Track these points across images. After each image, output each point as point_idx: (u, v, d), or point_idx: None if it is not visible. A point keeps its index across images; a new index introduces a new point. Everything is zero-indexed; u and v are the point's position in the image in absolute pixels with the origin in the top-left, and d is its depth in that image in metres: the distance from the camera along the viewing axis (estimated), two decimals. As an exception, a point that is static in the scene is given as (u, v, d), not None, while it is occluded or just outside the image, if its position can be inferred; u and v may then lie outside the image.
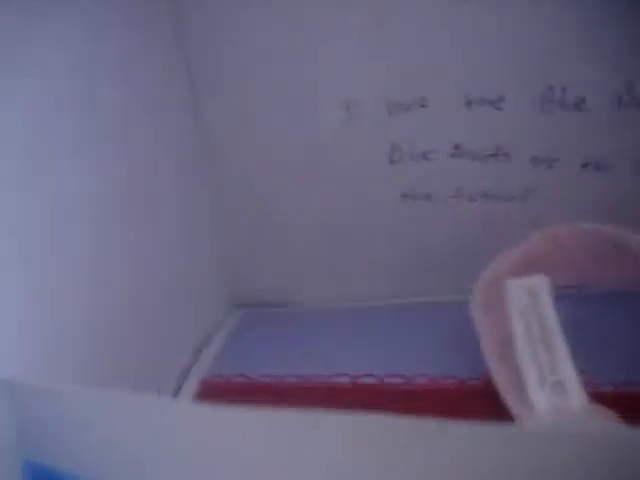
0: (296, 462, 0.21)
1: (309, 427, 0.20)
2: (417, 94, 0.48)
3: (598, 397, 0.36)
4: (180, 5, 0.48)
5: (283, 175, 0.52)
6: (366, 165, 0.51)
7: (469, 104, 0.48)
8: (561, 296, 0.40)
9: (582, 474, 0.18)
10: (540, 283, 0.40)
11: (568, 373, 0.37)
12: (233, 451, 0.22)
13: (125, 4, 0.42)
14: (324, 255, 0.55)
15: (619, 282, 0.45)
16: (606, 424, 0.35)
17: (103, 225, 0.39)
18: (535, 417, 0.36)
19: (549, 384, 0.37)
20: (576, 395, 0.36)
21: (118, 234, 0.41)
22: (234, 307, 0.59)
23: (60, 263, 0.35)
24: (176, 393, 0.47)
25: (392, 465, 0.20)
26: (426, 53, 0.47)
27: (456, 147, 0.50)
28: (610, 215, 0.46)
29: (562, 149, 0.49)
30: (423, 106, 0.48)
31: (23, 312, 0.32)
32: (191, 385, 0.48)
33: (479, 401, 0.40)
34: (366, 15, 0.47)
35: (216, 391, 0.47)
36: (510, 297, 0.40)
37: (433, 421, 0.19)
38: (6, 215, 0.31)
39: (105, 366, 0.37)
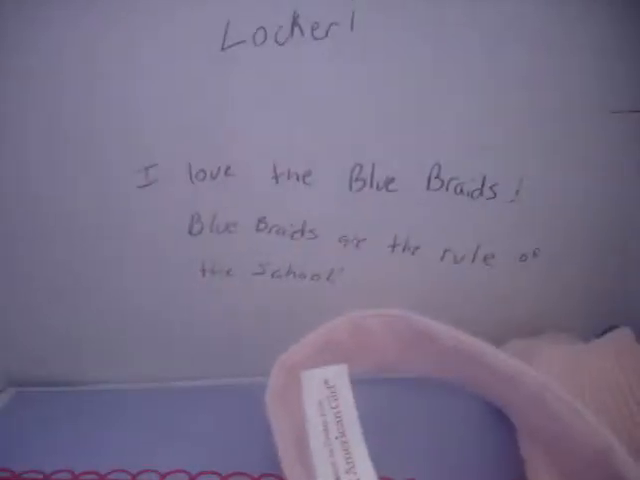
0: None
1: None
2: (223, 162, 0.45)
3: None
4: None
5: (68, 244, 0.47)
6: (164, 236, 0.47)
7: (276, 176, 0.45)
8: (362, 382, 0.37)
9: None
10: (339, 373, 0.37)
11: (365, 474, 0.34)
12: None
13: None
14: (115, 332, 0.50)
15: (424, 371, 0.43)
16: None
17: None
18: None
19: (344, 487, 0.34)
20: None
21: None
22: (8, 385, 0.51)
23: None
24: None
25: None
26: (234, 119, 0.43)
27: (261, 221, 0.46)
28: (418, 299, 0.45)
29: (370, 229, 0.47)
30: (228, 175, 0.45)
31: None
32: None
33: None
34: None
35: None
36: (305, 389, 0.36)
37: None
38: None
39: None
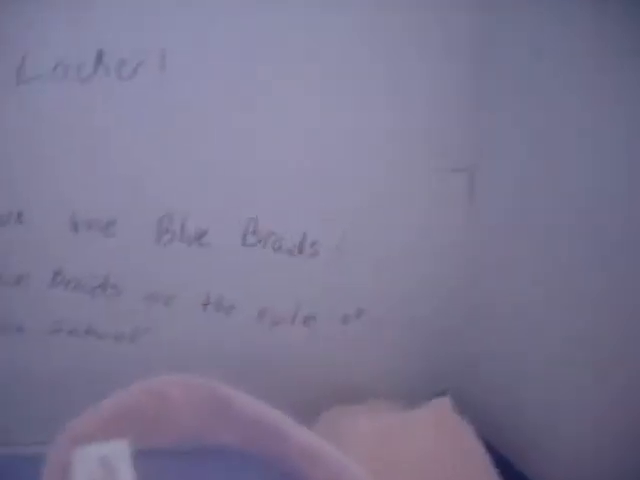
0: None
1: None
2: (14, 207, 0.40)
3: None
4: None
5: None
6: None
7: (75, 225, 0.41)
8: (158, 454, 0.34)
9: None
10: (119, 450, 0.33)
11: None
12: None
13: None
14: None
15: (229, 442, 0.39)
16: None
17: None
18: None
19: None
20: None
21: None
22: None
23: None
24: None
25: None
26: (29, 160, 0.39)
27: (57, 273, 0.42)
28: (233, 362, 0.41)
29: (180, 285, 0.43)
30: (20, 222, 0.40)
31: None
32: None
33: None
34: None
35: None
36: (77, 470, 0.32)
37: None
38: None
39: None
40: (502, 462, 0.46)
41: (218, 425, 0.38)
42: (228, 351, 0.45)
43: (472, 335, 0.48)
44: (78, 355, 0.44)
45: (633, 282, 0.37)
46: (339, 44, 0.41)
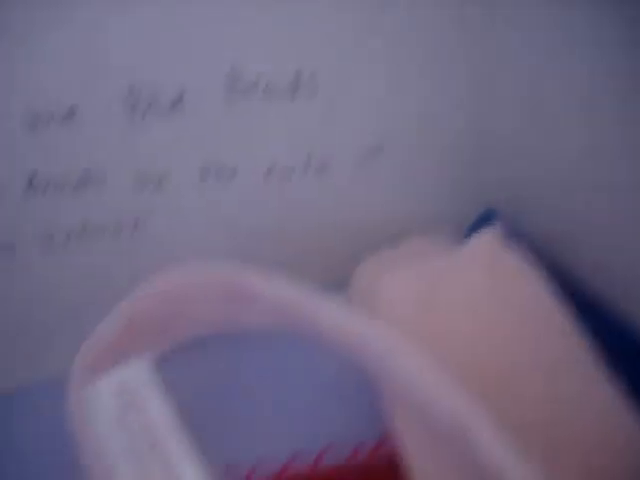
0: None
1: None
2: None
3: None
4: None
5: None
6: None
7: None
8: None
9: None
10: (137, 373, 0.29)
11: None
12: None
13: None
14: None
15: (259, 326, 0.35)
16: None
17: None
18: None
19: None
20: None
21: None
22: None
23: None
24: None
25: None
26: None
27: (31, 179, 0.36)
28: (246, 232, 0.37)
29: (167, 160, 0.38)
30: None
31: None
32: None
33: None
34: None
35: None
36: (95, 407, 0.28)
37: None
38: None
39: None
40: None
41: (243, 313, 0.34)
42: (237, 221, 0.40)
43: (505, 157, 0.43)
44: (76, 261, 0.39)
45: None
46: None
